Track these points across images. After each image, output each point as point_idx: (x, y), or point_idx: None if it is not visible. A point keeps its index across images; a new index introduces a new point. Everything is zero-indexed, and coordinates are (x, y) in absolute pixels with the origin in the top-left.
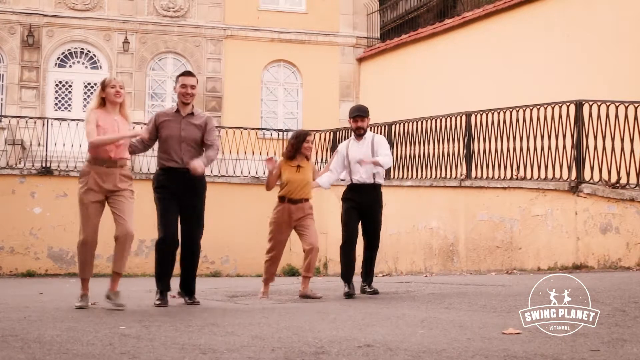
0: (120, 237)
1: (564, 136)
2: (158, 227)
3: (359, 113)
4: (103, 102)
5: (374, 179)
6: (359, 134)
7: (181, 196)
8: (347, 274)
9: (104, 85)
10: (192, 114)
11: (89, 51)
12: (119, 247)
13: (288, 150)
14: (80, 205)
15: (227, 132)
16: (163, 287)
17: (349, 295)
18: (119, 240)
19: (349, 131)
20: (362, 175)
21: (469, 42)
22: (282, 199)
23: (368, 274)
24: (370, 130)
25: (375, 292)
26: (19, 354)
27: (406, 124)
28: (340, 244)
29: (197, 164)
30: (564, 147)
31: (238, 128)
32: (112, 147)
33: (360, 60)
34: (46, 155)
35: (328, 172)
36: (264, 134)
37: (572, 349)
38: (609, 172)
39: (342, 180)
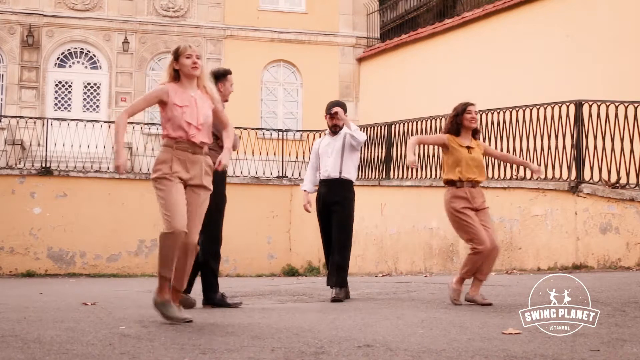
0: (181, 247)
1: (564, 136)
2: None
3: (335, 111)
4: (176, 76)
5: (340, 173)
6: (335, 131)
7: None
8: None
9: (177, 55)
10: None
11: (88, 51)
12: (180, 260)
13: (447, 127)
14: (158, 190)
15: None
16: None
17: (339, 299)
18: (179, 251)
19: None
20: (327, 169)
21: (469, 42)
22: (454, 182)
23: (332, 276)
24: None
25: (337, 299)
26: (19, 354)
27: (406, 124)
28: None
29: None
30: (564, 147)
31: (238, 128)
32: (193, 128)
33: (360, 60)
34: (46, 155)
35: (306, 173)
36: (263, 134)
37: (572, 349)
38: (609, 172)
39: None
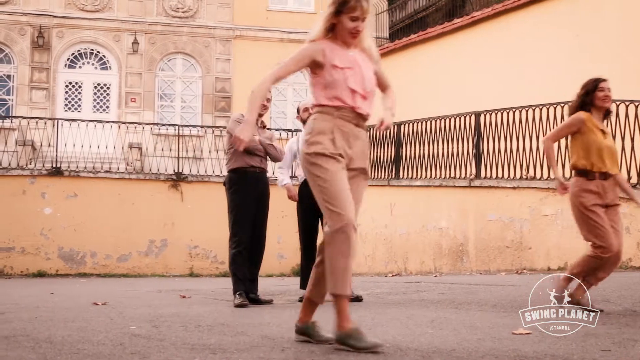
0: (338, 228)
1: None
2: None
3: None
4: (330, 31)
5: None
6: None
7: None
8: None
9: (340, 8)
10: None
11: (98, 52)
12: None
13: (575, 106)
14: (317, 170)
15: None
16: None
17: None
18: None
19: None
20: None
21: (478, 41)
22: (586, 173)
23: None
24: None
25: (357, 298)
26: (30, 354)
27: (415, 124)
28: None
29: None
30: None
31: None
32: (358, 97)
33: None
34: (56, 155)
35: (281, 169)
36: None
37: (583, 349)
38: (619, 171)
39: (295, 177)
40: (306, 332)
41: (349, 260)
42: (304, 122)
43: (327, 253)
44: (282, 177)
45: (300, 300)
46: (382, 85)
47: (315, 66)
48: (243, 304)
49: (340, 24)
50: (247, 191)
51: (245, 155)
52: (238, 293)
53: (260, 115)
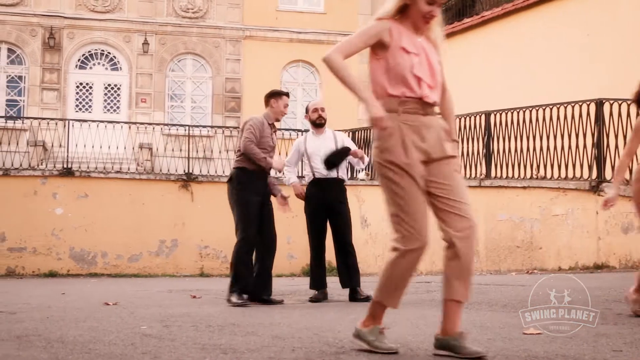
0: (461, 238)
1: (585, 135)
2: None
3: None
4: (401, 11)
5: (338, 173)
6: (320, 123)
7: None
8: (319, 281)
9: None
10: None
11: (109, 53)
12: (462, 257)
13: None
14: (391, 183)
15: None
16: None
17: (317, 300)
18: (460, 243)
19: (369, 131)
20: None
21: (488, 41)
22: None
23: (352, 279)
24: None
25: (368, 298)
26: (42, 354)
27: None
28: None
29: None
30: (585, 146)
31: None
32: (425, 86)
33: None
34: (67, 156)
35: (288, 168)
36: (282, 134)
37: (594, 349)
38: (630, 171)
39: (302, 177)
40: (448, 346)
41: (410, 279)
42: (312, 122)
43: (393, 265)
44: (289, 175)
45: (311, 300)
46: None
47: (378, 47)
48: (244, 304)
49: (415, 5)
50: (255, 189)
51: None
52: (237, 291)
53: (277, 120)
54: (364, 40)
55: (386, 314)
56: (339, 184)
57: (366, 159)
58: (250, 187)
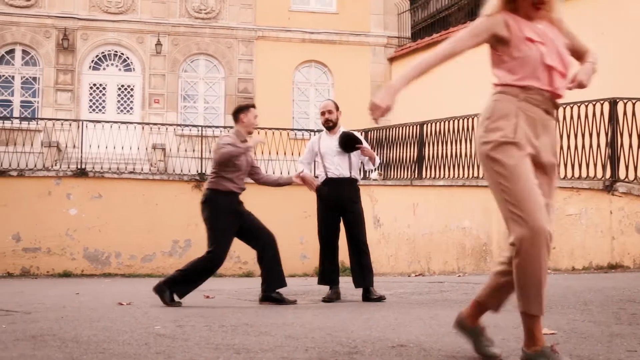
0: (525, 238)
1: (598, 134)
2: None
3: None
4: (511, 2)
5: (350, 173)
6: (328, 126)
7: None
8: (330, 278)
9: None
10: None
11: (122, 54)
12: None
13: None
14: (497, 165)
15: (258, 132)
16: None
17: (330, 300)
18: (522, 246)
19: (381, 131)
20: (338, 168)
21: None
22: None
23: (365, 278)
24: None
25: (381, 298)
26: (57, 353)
27: (438, 124)
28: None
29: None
30: (598, 145)
31: (270, 129)
32: (557, 75)
33: (392, 60)
34: (81, 157)
35: (301, 166)
36: (295, 134)
37: (609, 349)
38: None
39: (316, 177)
40: (471, 335)
41: (543, 274)
42: (322, 124)
43: (516, 266)
44: (302, 167)
45: (324, 300)
46: (581, 52)
47: (496, 42)
48: (177, 304)
49: None
50: (230, 209)
51: (235, 177)
52: (179, 293)
53: (250, 134)
54: (473, 38)
55: (399, 314)
56: (352, 183)
57: (377, 160)
58: (225, 209)
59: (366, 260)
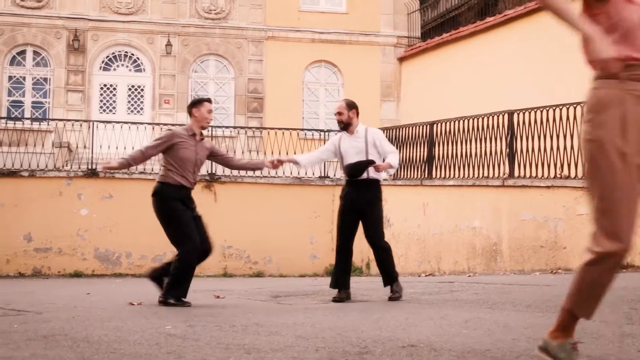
0: (612, 255)
1: None
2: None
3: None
4: None
5: (368, 174)
6: (341, 127)
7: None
8: (341, 281)
9: None
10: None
11: (132, 54)
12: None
13: None
14: (593, 161)
15: (268, 132)
16: None
17: (340, 300)
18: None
19: (391, 130)
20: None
21: (511, 40)
22: None
23: (388, 275)
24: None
25: (396, 297)
26: (69, 353)
27: (448, 123)
28: (335, 248)
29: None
30: None
31: (280, 129)
32: None
33: (401, 59)
34: (92, 157)
35: (314, 152)
36: (305, 134)
37: (620, 349)
38: None
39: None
40: (556, 355)
41: (608, 289)
42: (341, 123)
43: (585, 269)
44: (306, 155)
45: (334, 300)
46: None
47: (592, 4)
48: (187, 304)
49: None
50: (182, 202)
51: (185, 172)
52: (182, 297)
53: (203, 129)
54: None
55: (409, 314)
56: (374, 184)
57: (392, 169)
58: (175, 198)
59: (387, 258)
